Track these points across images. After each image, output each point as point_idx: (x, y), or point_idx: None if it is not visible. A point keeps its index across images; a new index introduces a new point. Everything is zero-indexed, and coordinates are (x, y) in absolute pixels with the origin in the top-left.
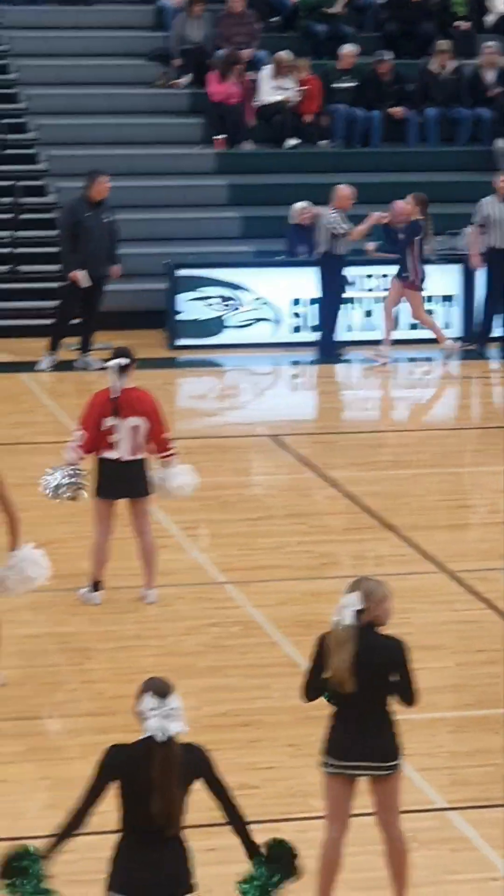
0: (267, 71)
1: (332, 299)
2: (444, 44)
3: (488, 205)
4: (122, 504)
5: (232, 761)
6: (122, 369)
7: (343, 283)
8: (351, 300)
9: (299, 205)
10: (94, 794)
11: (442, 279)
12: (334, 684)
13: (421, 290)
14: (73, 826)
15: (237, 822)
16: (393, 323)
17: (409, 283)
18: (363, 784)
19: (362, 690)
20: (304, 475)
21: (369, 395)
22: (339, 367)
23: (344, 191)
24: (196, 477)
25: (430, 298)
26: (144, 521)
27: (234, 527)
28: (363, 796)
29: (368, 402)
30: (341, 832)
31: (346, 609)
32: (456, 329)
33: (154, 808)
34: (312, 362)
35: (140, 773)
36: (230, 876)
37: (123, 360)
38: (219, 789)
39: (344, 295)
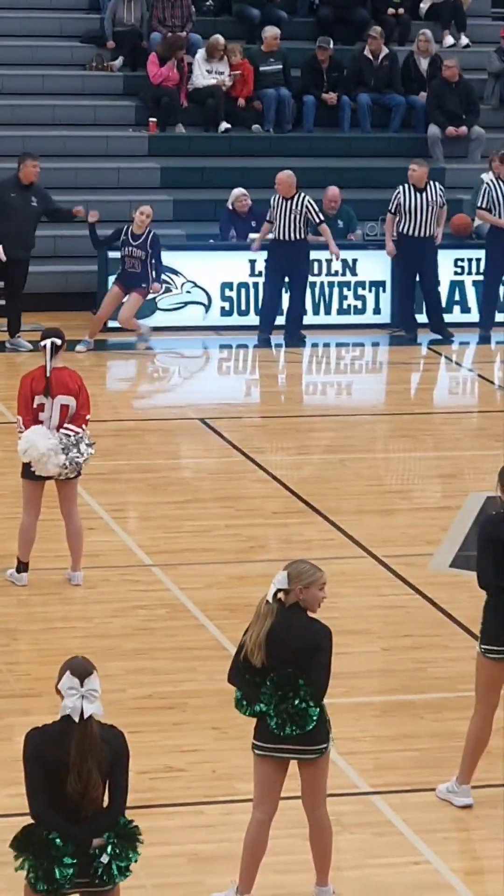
0: (200, 55)
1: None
2: (376, 30)
3: (403, 193)
4: (49, 485)
5: (156, 744)
6: (55, 349)
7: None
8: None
9: (238, 191)
10: (39, 786)
11: (372, 265)
12: (246, 655)
13: (147, 295)
14: (50, 824)
15: (109, 816)
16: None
17: (144, 290)
18: (294, 767)
19: (274, 669)
20: (232, 459)
21: (298, 379)
22: (269, 352)
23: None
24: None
25: (361, 284)
26: (72, 503)
27: (161, 509)
28: (289, 779)
29: (297, 386)
30: (269, 814)
31: (271, 586)
32: (385, 315)
33: (70, 788)
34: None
35: (57, 752)
36: (166, 857)
37: (57, 341)
38: (119, 782)
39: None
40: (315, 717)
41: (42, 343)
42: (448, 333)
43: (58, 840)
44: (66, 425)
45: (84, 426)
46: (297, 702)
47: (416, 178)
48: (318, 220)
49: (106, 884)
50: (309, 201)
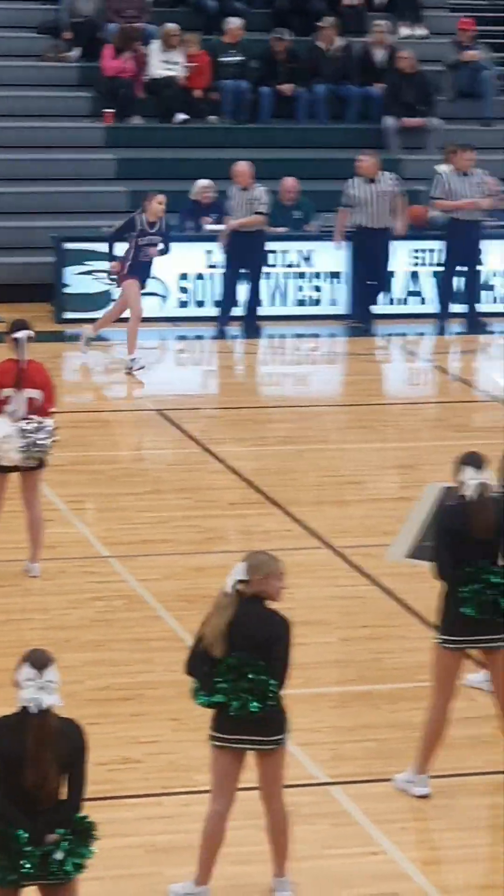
0: (156, 45)
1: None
2: (328, 20)
3: (353, 185)
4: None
5: (114, 735)
6: (28, 341)
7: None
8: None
9: (202, 182)
10: None
11: (328, 256)
12: (205, 647)
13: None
14: (7, 817)
15: (65, 811)
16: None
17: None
18: (251, 758)
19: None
20: (190, 450)
21: (255, 370)
22: (227, 343)
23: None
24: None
25: (317, 275)
26: (34, 494)
27: (119, 501)
28: (247, 770)
29: (254, 377)
30: (226, 806)
31: (229, 577)
32: (342, 306)
33: (27, 780)
34: None
35: (14, 744)
36: (125, 848)
37: (31, 332)
38: (77, 776)
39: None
40: (275, 691)
41: (15, 335)
42: (368, 322)
43: (20, 833)
44: (28, 416)
45: (48, 419)
46: (252, 675)
47: (364, 170)
48: (257, 210)
49: (61, 879)
50: (259, 192)
